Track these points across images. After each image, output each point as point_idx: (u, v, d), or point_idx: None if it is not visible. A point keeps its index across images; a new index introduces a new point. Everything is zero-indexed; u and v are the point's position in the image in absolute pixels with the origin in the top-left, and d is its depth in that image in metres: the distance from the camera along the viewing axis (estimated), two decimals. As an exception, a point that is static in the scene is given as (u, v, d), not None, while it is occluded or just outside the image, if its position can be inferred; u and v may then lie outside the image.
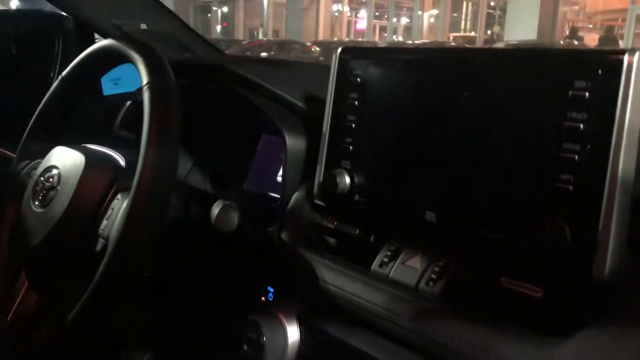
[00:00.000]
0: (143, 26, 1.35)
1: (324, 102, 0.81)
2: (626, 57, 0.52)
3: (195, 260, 0.91)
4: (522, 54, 0.61)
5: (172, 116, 0.74)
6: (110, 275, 0.70)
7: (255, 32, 21.24)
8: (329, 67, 0.81)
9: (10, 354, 0.88)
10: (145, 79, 0.76)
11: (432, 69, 0.68)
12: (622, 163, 0.52)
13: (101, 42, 0.93)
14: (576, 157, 0.55)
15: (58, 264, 0.84)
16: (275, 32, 19.90)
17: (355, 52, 0.77)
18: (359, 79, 0.75)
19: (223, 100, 1.08)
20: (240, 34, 20.68)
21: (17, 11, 2.16)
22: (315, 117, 0.85)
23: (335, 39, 16.01)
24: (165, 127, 0.73)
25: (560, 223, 0.55)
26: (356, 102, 0.75)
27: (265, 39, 17.40)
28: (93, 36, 1.40)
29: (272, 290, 0.90)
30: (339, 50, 0.78)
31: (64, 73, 0.98)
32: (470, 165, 0.63)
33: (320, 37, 16.27)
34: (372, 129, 0.74)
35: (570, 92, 0.55)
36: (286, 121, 0.89)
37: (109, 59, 0.92)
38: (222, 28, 22.35)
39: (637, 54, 0.52)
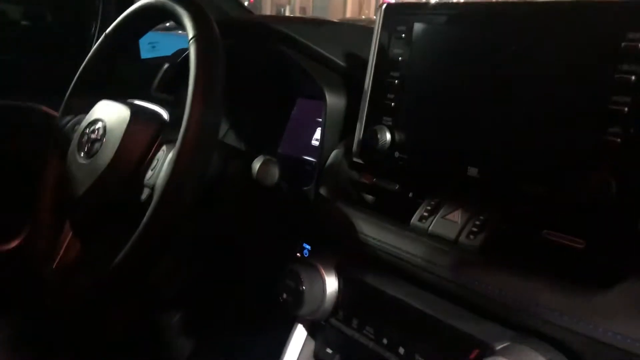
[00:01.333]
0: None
1: (365, 61, 0.81)
2: (684, 7, 0.51)
3: (235, 215, 0.93)
4: (571, 5, 0.60)
5: (217, 71, 0.75)
6: (157, 222, 0.72)
7: (282, 9, 21.13)
8: (370, 30, 0.81)
9: (56, 300, 0.91)
10: (191, 32, 0.77)
11: (477, 23, 0.68)
12: None
13: (143, 0, 0.94)
14: (626, 109, 0.54)
15: (103, 213, 0.87)
16: (302, 9, 19.75)
17: (400, 8, 0.77)
18: (403, 35, 0.75)
19: (264, 59, 1.09)
20: (267, 10, 20.59)
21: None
22: (356, 76, 0.85)
23: (363, 17, 15.84)
24: (210, 81, 0.74)
25: (607, 176, 0.55)
26: (400, 58, 0.76)
27: (292, 16, 17.29)
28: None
29: (308, 247, 0.91)
30: (384, 6, 0.78)
31: (108, 30, 1.00)
32: (516, 119, 0.63)
33: (348, 15, 16.12)
34: (414, 86, 0.75)
35: (622, 44, 0.54)
36: (327, 80, 0.89)
37: (154, 16, 0.93)
38: (249, 4, 22.31)
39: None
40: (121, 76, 1.11)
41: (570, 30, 0.59)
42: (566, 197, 0.58)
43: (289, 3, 20.48)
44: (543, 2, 0.63)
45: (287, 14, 19.47)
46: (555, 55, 0.60)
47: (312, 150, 1.03)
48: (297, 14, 18.29)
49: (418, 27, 0.74)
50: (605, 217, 0.56)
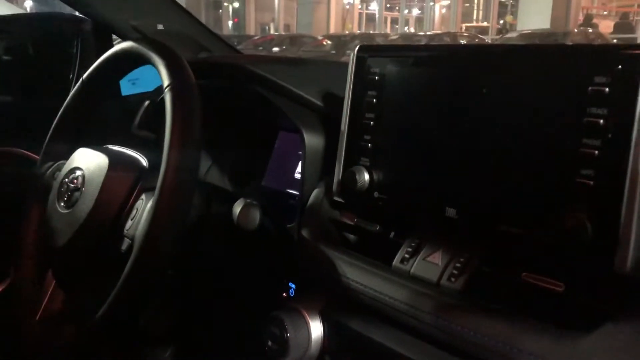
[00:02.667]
0: (160, 26, 1.36)
1: (341, 100, 0.82)
2: (646, 52, 0.52)
3: (217, 258, 0.92)
4: (540, 50, 0.61)
5: (193, 118, 0.75)
6: (137, 274, 0.72)
7: (267, 27, 21.24)
8: (346, 65, 0.81)
9: (39, 352, 0.90)
10: (166, 81, 0.77)
11: (449, 65, 0.69)
12: None
13: (122, 44, 0.95)
14: (596, 152, 0.55)
15: (84, 263, 0.86)
16: (287, 27, 19.87)
17: (372, 50, 0.77)
18: (376, 77, 0.76)
19: (241, 99, 1.10)
20: (251, 29, 20.70)
21: (36, 14, 2.20)
22: (333, 115, 0.86)
23: (347, 32, 15.95)
24: (187, 129, 0.74)
25: (581, 218, 0.55)
26: (374, 100, 0.76)
27: (276, 33, 17.39)
28: (111, 37, 1.42)
29: (293, 286, 0.91)
30: (357, 48, 0.79)
31: (84, 75, 1.00)
32: (490, 160, 0.64)
33: (332, 31, 16.22)
34: (390, 126, 0.75)
35: (589, 88, 0.55)
36: (304, 119, 0.90)
37: (129, 61, 0.93)
38: (234, 24, 22.38)
39: (657, 49, 0.52)
40: (102, 114, 1.11)
41: (540, 74, 0.60)
42: (543, 239, 0.59)
43: (273, 21, 20.61)
44: (513, 46, 0.64)
45: (272, 31, 19.60)
46: (526, 98, 0.61)
47: (296, 184, 1.03)
48: (282, 31, 18.40)
49: (391, 68, 0.74)
50: (582, 259, 0.56)
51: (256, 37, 14.77)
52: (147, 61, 0.86)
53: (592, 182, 0.55)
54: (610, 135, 0.54)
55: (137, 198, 0.84)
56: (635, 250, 0.53)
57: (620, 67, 0.54)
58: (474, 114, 0.65)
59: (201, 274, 0.96)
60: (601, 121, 0.55)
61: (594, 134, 0.55)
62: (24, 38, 1.49)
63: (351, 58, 0.79)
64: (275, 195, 1.09)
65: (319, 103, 0.91)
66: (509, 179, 0.62)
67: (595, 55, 0.56)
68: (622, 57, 0.54)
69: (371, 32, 15.32)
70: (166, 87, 0.77)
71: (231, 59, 1.17)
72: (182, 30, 1.39)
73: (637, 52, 0.53)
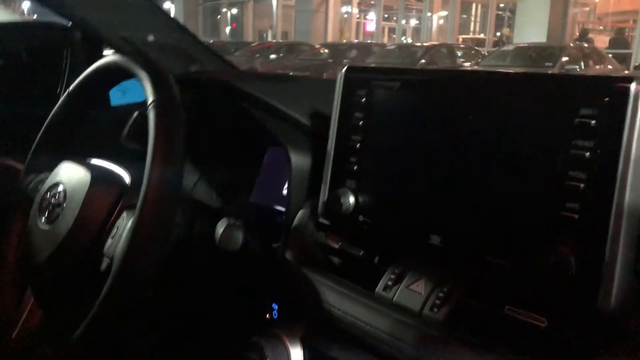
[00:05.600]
0: (150, 38, 1.35)
1: (329, 119, 0.81)
2: (633, 86, 0.52)
3: (199, 277, 0.91)
4: (527, 79, 0.60)
5: (176, 136, 0.74)
6: (115, 295, 0.70)
7: (265, 34, 21.27)
8: (334, 83, 0.80)
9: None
10: (150, 98, 0.76)
11: (436, 91, 0.68)
12: (629, 193, 0.52)
13: (107, 58, 0.94)
14: (582, 185, 0.54)
15: (63, 281, 0.84)
16: (285, 34, 19.91)
17: (360, 72, 0.76)
18: (363, 99, 0.75)
19: (229, 114, 1.08)
20: (249, 35, 20.72)
21: (26, 23, 2.18)
22: (320, 134, 0.85)
23: (344, 41, 15.99)
24: (169, 147, 0.73)
25: (565, 252, 0.54)
26: (361, 122, 0.75)
27: (274, 40, 17.42)
28: (101, 48, 1.40)
29: (276, 307, 0.89)
30: (344, 69, 0.78)
31: (70, 88, 0.99)
32: (475, 189, 0.62)
33: (329, 39, 16.26)
34: (376, 150, 0.74)
35: (576, 120, 0.54)
36: (291, 138, 0.89)
37: (114, 75, 0.93)
38: (231, 30, 22.40)
39: (644, 83, 0.51)
40: (91, 123, 1.09)
41: (527, 103, 0.59)
42: (527, 272, 0.57)
43: (271, 28, 20.66)
44: (499, 72, 0.63)
45: (270, 38, 19.63)
46: (512, 126, 0.60)
47: (283, 200, 1.02)
48: (280, 39, 18.44)
49: (378, 91, 0.73)
50: (565, 294, 0.55)
51: (254, 44, 14.77)
52: (132, 75, 0.85)
53: (576, 216, 0.54)
54: (596, 169, 0.53)
55: (118, 216, 0.82)
56: (619, 288, 0.52)
57: (607, 99, 0.53)
58: (459, 140, 0.64)
59: (182, 295, 0.94)
60: (587, 154, 0.54)
61: (580, 166, 0.54)
62: (14, 46, 1.47)
63: (338, 79, 0.78)
64: (262, 212, 1.07)
65: (306, 122, 0.90)
66: (494, 208, 0.61)
67: (582, 87, 0.55)
68: (609, 89, 0.53)
69: (368, 41, 15.37)
70: (150, 104, 0.76)
71: (220, 75, 1.16)
72: (173, 42, 1.38)
73: (624, 85, 0.52)
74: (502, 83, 0.62)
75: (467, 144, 0.63)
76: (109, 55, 0.95)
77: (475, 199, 0.62)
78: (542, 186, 0.57)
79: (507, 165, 0.60)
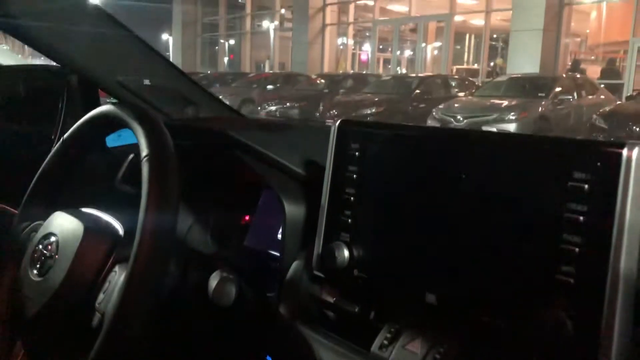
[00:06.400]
0: (146, 82, 1.36)
1: (323, 168, 0.81)
2: (625, 152, 0.52)
3: (192, 330, 0.89)
4: (520, 140, 0.60)
5: (170, 190, 0.74)
6: (106, 353, 0.69)
7: (262, 65, 21.48)
8: (329, 130, 0.81)
9: None
10: (144, 151, 0.76)
11: (430, 147, 0.68)
12: (624, 257, 0.51)
13: (102, 108, 0.94)
14: (577, 249, 0.54)
15: (54, 336, 0.83)
16: (282, 65, 20.12)
17: (353, 125, 0.77)
18: (357, 153, 0.75)
19: (224, 161, 1.08)
20: (247, 66, 20.91)
21: (23, 66, 2.20)
22: (315, 183, 0.84)
23: (341, 71, 16.16)
24: (163, 201, 0.73)
25: (562, 315, 0.54)
26: (354, 175, 0.75)
27: (271, 71, 17.60)
28: (97, 92, 1.41)
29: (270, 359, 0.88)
30: (338, 122, 0.78)
31: (65, 136, 0.99)
32: (469, 248, 0.62)
33: (326, 70, 16.43)
34: (371, 203, 0.74)
35: (569, 183, 0.54)
36: (285, 188, 0.89)
37: (109, 124, 0.93)
38: (229, 60, 22.63)
39: (636, 148, 0.51)
40: (86, 166, 1.09)
41: (520, 163, 0.59)
42: (524, 334, 0.57)
43: (268, 58, 20.89)
44: (494, 133, 0.63)
45: (267, 69, 19.83)
46: (505, 186, 0.60)
47: (278, 244, 1.01)
48: (276, 69, 18.63)
49: (372, 145, 0.74)
50: (563, 357, 0.54)
51: (251, 75, 14.91)
52: (127, 126, 0.85)
53: (572, 280, 0.54)
54: (591, 234, 0.53)
55: (111, 269, 0.81)
56: (618, 352, 0.52)
57: (599, 164, 0.53)
58: (452, 199, 0.64)
59: (174, 348, 0.92)
60: (581, 218, 0.53)
61: (574, 230, 0.54)
62: (10, 89, 1.48)
63: (332, 132, 0.78)
64: (257, 257, 1.07)
65: (300, 172, 0.90)
66: (489, 268, 0.60)
67: (575, 149, 0.55)
68: (602, 154, 0.53)
69: (364, 72, 15.54)
70: (144, 158, 0.76)
71: (213, 123, 1.17)
72: (169, 85, 1.39)
73: (616, 150, 0.52)
74: (496, 143, 0.62)
75: (461, 203, 0.63)
76: (104, 105, 0.95)
77: (471, 258, 0.62)
78: (537, 248, 0.56)
79: (501, 225, 0.59)
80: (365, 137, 0.74)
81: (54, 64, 1.44)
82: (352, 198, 0.76)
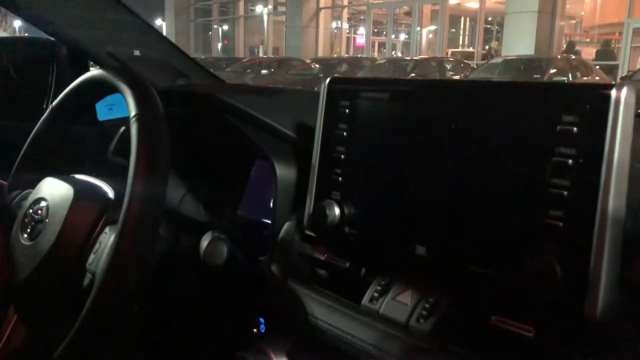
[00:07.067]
0: (137, 53, 1.34)
1: (314, 131, 0.80)
2: (614, 92, 0.51)
3: (184, 292, 0.90)
4: (509, 87, 0.60)
5: (159, 149, 0.73)
6: (97, 312, 0.69)
7: (256, 50, 21.33)
8: (319, 95, 0.80)
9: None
10: (133, 111, 0.76)
11: (418, 101, 0.68)
12: (612, 199, 0.51)
13: (90, 73, 0.93)
14: (565, 193, 0.54)
15: (46, 298, 0.83)
16: (276, 49, 20.00)
17: (343, 83, 0.76)
18: (347, 110, 0.74)
19: (215, 128, 1.08)
20: (240, 51, 20.77)
21: (12, 38, 2.18)
22: (305, 146, 0.84)
23: (335, 56, 16.07)
24: (152, 161, 0.72)
25: (550, 260, 0.54)
26: (345, 133, 0.75)
27: (265, 56, 17.49)
28: (87, 63, 1.40)
29: (263, 321, 0.88)
30: (327, 80, 0.78)
31: (53, 103, 0.98)
32: (459, 199, 0.62)
33: (320, 54, 16.33)
34: (361, 160, 0.74)
35: (558, 127, 0.54)
36: (276, 150, 0.88)
37: (98, 89, 0.92)
38: (223, 46, 22.47)
39: (624, 88, 0.51)
40: (78, 139, 1.08)
41: (509, 111, 0.59)
42: (513, 281, 0.57)
43: (262, 43, 20.74)
44: (480, 82, 0.63)
45: (261, 54, 19.70)
46: (494, 135, 0.59)
47: (270, 213, 1.01)
48: (270, 54, 18.52)
49: (362, 102, 0.73)
50: (552, 303, 0.55)
51: (245, 60, 14.81)
52: (115, 89, 0.84)
53: (561, 224, 0.54)
54: (579, 176, 0.53)
55: (101, 231, 0.81)
56: (605, 295, 0.52)
57: (588, 106, 0.53)
58: (442, 150, 0.64)
59: (167, 311, 0.93)
60: (570, 161, 0.53)
61: (562, 174, 0.54)
62: (0, 62, 1.47)
63: (322, 90, 0.78)
64: (250, 225, 1.06)
65: (291, 134, 0.90)
66: (478, 217, 0.60)
67: (564, 94, 0.55)
68: (590, 96, 0.53)
69: (359, 56, 15.45)
70: (132, 118, 0.75)
71: (205, 88, 1.16)
72: (159, 57, 1.38)
73: (605, 91, 0.52)
74: (484, 92, 0.62)
75: (450, 154, 0.63)
76: (92, 70, 0.94)
77: (459, 209, 0.62)
78: (526, 194, 0.56)
79: (490, 174, 0.59)
80: (355, 94, 0.74)
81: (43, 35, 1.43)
82: (342, 156, 0.75)
